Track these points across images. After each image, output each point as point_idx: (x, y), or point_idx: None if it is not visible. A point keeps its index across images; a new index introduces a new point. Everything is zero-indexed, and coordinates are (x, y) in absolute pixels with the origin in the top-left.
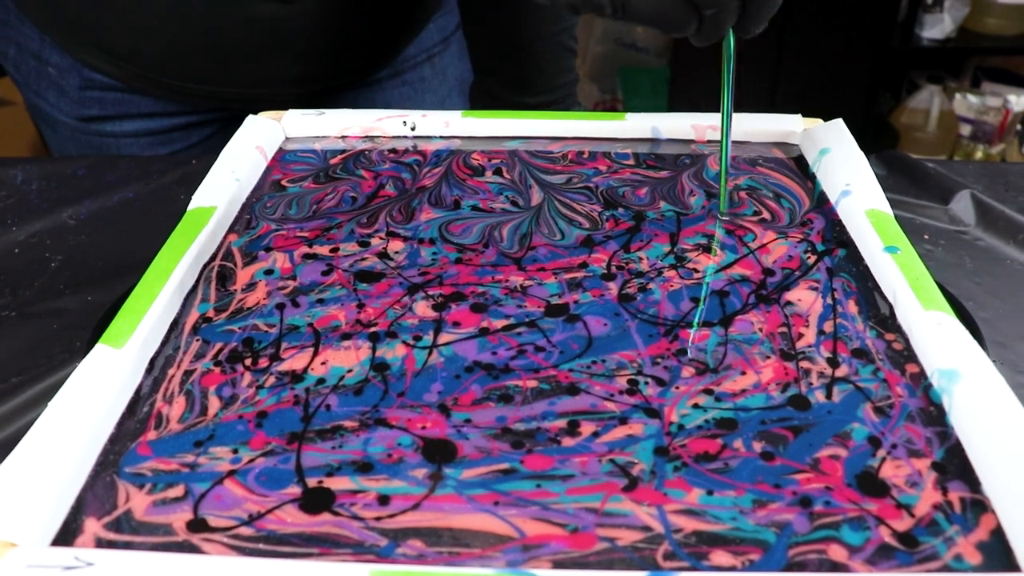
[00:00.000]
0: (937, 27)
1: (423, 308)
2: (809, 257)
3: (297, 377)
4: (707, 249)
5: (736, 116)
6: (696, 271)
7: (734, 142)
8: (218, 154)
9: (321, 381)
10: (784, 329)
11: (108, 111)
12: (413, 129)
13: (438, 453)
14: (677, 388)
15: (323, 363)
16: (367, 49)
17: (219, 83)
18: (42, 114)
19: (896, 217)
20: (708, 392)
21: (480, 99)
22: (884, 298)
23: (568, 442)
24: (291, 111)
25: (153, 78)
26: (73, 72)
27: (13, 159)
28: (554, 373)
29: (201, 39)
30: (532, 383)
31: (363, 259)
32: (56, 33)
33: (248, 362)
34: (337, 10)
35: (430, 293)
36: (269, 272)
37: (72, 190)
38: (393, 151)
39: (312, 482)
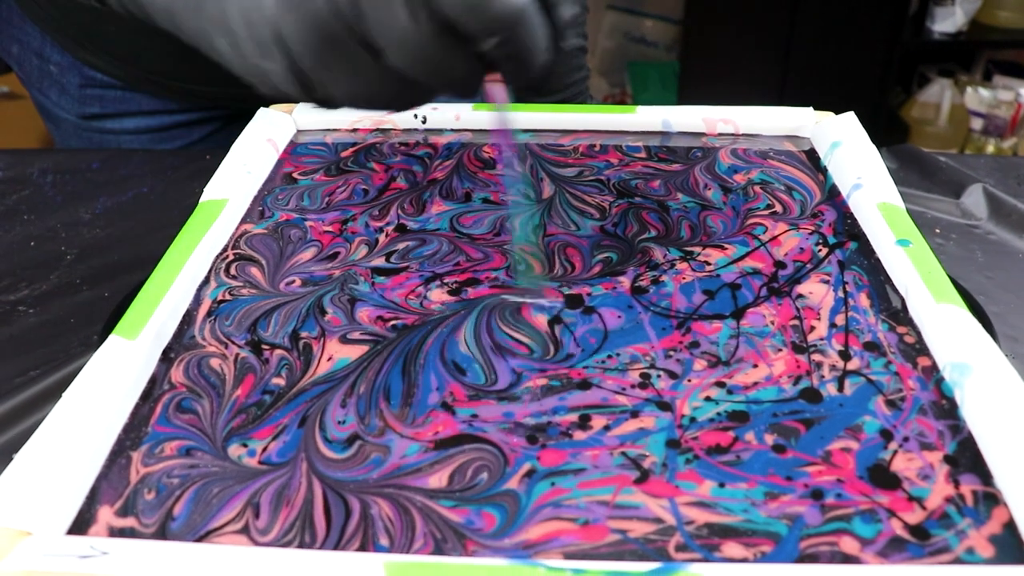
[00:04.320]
0: (948, 20)
1: (439, 295)
2: (820, 250)
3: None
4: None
5: (747, 109)
6: (708, 264)
7: (745, 135)
8: (229, 149)
9: (324, 383)
10: (796, 322)
11: (108, 109)
12: (424, 122)
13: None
14: (689, 381)
15: (328, 359)
16: None
17: (221, 84)
18: (46, 111)
19: (907, 211)
20: (720, 385)
21: None
22: (896, 291)
23: (580, 436)
24: (302, 104)
25: (155, 79)
26: (74, 70)
27: (28, 151)
28: (566, 371)
29: None
30: (542, 380)
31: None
32: (57, 33)
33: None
34: None
35: (446, 281)
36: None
37: (87, 184)
38: (404, 144)
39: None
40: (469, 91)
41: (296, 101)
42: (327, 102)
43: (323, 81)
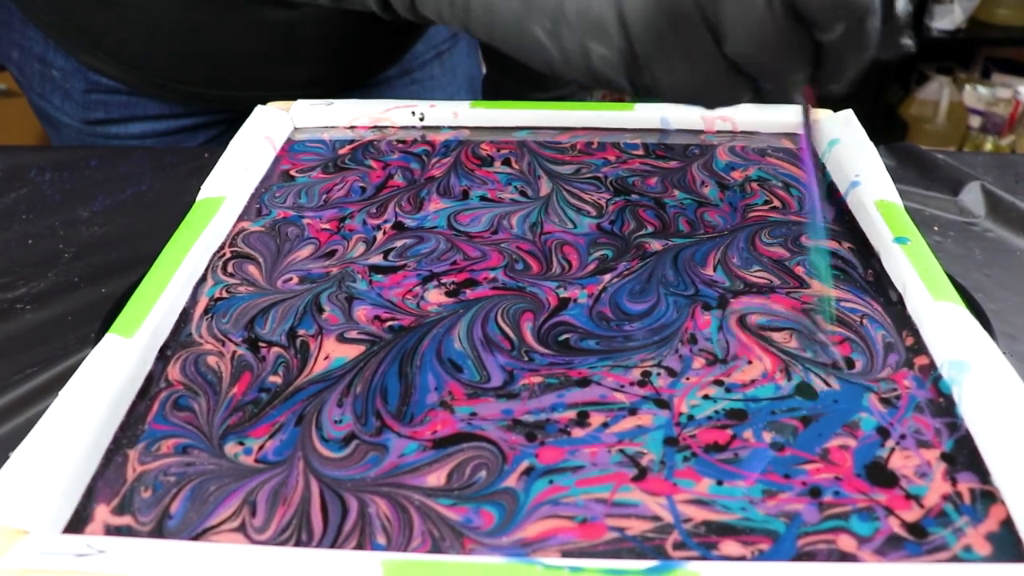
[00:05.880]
0: (947, 18)
1: (436, 296)
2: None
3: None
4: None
5: (746, 107)
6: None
7: (743, 132)
8: None
9: (321, 382)
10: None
11: (113, 114)
12: (422, 119)
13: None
14: (688, 379)
15: (325, 357)
16: (377, 49)
17: (229, 88)
18: (46, 116)
19: (906, 208)
20: (718, 383)
21: (492, 94)
22: (894, 288)
23: (578, 433)
24: (300, 101)
25: (162, 83)
26: (78, 75)
27: (26, 149)
28: (564, 371)
29: (210, 46)
30: (538, 379)
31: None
32: (62, 38)
33: (252, 357)
34: (346, 12)
35: (443, 281)
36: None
37: (85, 182)
38: (402, 141)
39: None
40: (792, 89)
41: (612, 88)
42: (648, 90)
43: (656, 66)
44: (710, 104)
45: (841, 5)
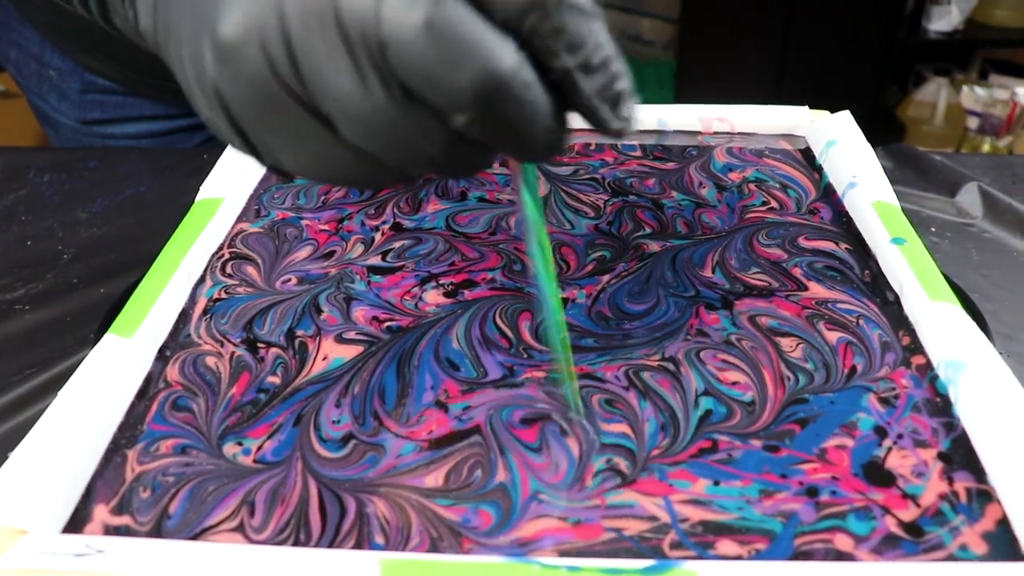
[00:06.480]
0: (944, 19)
1: (434, 297)
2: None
3: (299, 373)
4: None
5: (743, 108)
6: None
7: (742, 133)
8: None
9: (319, 382)
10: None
11: (109, 114)
12: None
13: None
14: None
15: (324, 358)
16: None
17: None
18: (44, 116)
19: (903, 209)
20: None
21: None
22: (891, 289)
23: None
24: None
25: (157, 84)
26: (74, 75)
27: (25, 150)
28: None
29: None
30: (539, 374)
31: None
32: (58, 39)
33: (251, 357)
34: None
35: (441, 282)
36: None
37: (84, 183)
38: None
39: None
40: (458, 172)
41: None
42: (279, 171)
43: (269, 148)
44: (357, 187)
45: (450, 93)
